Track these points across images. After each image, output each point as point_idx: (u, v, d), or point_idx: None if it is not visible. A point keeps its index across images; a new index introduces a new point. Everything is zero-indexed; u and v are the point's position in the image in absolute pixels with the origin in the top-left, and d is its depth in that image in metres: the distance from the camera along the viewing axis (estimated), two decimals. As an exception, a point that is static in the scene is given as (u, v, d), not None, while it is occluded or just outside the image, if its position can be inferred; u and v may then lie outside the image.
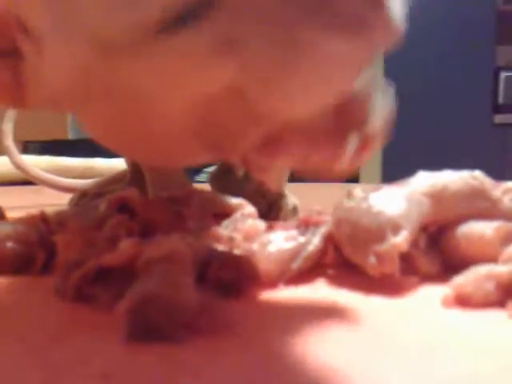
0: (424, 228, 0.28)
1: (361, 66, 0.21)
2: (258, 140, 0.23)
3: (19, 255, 0.28)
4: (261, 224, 0.31)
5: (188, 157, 0.26)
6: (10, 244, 0.28)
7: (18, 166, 0.66)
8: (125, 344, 0.20)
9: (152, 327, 0.20)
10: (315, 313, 0.24)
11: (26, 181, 0.69)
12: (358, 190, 0.28)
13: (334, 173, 0.25)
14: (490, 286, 0.24)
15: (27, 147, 1.12)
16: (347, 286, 0.27)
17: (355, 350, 0.19)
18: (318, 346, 0.20)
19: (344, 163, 0.25)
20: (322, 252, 0.28)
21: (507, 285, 0.23)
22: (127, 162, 0.53)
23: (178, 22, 0.19)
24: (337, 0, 0.18)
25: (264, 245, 0.27)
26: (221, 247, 0.27)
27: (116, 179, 0.57)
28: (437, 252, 0.28)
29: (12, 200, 0.69)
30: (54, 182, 0.66)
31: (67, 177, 0.67)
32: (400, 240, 0.25)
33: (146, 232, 0.29)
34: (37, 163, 0.74)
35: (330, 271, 0.29)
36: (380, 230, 0.26)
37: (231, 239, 0.29)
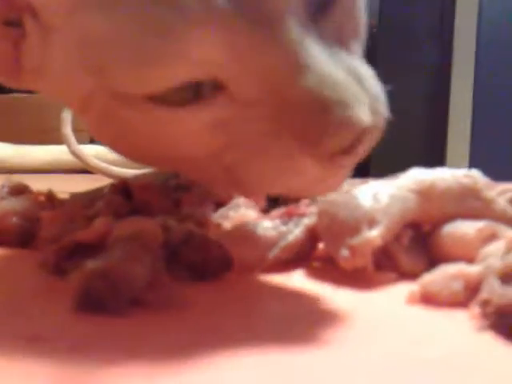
0: (411, 225, 0.28)
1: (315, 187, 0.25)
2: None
3: (22, 230, 0.29)
4: (252, 213, 0.31)
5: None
6: (14, 219, 0.30)
7: (75, 154, 0.68)
8: (69, 312, 0.21)
9: (97, 300, 0.21)
10: (271, 301, 0.24)
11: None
12: (346, 183, 0.28)
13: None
14: (457, 286, 0.23)
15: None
16: (324, 278, 0.27)
17: (292, 341, 0.19)
18: (254, 334, 0.20)
19: None
20: (304, 243, 0.28)
21: (475, 285, 0.22)
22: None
23: (187, 94, 0.23)
24: (319, 138, 0.22)
25: (244, 232, 0.27)
26: (206, 232, 0.28)
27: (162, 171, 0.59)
28: (423, 250, 0.27)
29: (70, 186, 0.72)
30: (109, 172, 0.68)
31: (134, 168, 0.70)
32: (374, 234, 0.25)
33: (140, 214, 0.30)
34: (98, 153, 0.77)
35: (315, 263, 0.29)
36: (356, 223, 0.26)
37: (218, 226, 0.29)
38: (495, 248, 0.23)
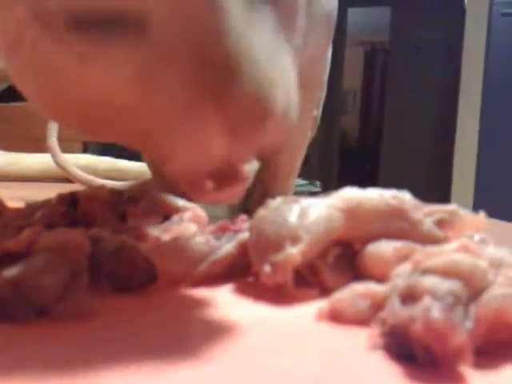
0: (341, 243, 0.28)
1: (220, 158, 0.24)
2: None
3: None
4: (193, 227, 0.32)
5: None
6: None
7: (59, 165, 0.70)
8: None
9: (5, 309, 0.21)
10: (180, 315, 0.24)
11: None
12: (276, 199, 0.28)
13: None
14: (363, 304, 0.23)
15: (86, 148, 1.18)
16: (249, 293, 0.27)
17: (180, 355, 0.20)
18: (148, 347, 0.21)
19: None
20: (236, 258, 0.28)
21: (380, 304, 0.23)
22: (148, 165, 0.55)
23: (108, 26, 0.21)
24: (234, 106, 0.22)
25: (174, 245, 0.28)
26: (140, 245, 0.28)
27: (147, 182, 0.60)
28: (350, 268, 0.28)
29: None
30: (94, 183, 0.70)
31: (123, 179, 0.71)
32: (294, 251, 0.26)
33: (83, 224, 0.31)
34: (93, 163, 0.78)
35: (250, 279, 0.29)
36: (280, 239, 0.26)
37: (157, 239, 0.30)
38: (404, 268, 0.23)
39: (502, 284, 0.22)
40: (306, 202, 0.28)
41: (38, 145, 0.84)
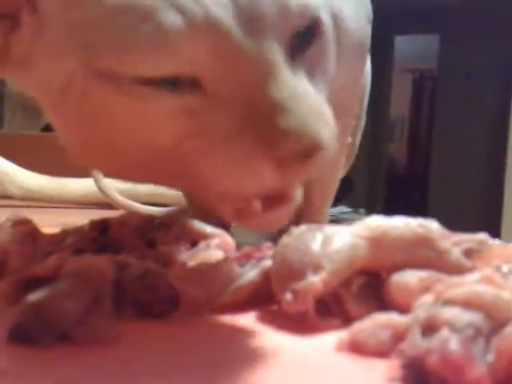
0: (366, 271, 0.28)
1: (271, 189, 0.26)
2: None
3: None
4: (218, 254, 0.32)
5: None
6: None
7: (102, 191, 0.71)
8: (4, 343, 0.22)
9: (27, 332, 0.22)
10: (201, 341, 0.24)
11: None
12: (300, 227, 0.28)
13: None
14: (384, 335, 0.23)
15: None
16: (272, 322, 0.27)
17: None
18: (166, 373, 0.21)
19: None
20: (260, 286, 0.28)
21: (402, 336, 0.22)
22: (183, 193, 0.56)
23: (167, 84, 0.25)
24: (279, 141, 0.24)
25: (198, 272, 0.28)
26: (167, 271, 0.29)
27: (183, 209, 0.60)
28: (375, 297, 0.27)
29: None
30: (134, 208, 0.71)
31: (162, 204, 0.72)
32: (315, 280, 0.25)
33: (113, 250, 0.32)
34: (133, 187, 0.80)
35: (274, 307, 0.29)
36: (302, 267, 0.26)
37: (183, 265, 0.30)
38: (426, 299, 0.23)
39: (527, 316, 0.21)
40: (330, 230, 0.28)
41: (82, 171, 0.86)
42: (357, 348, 0.23)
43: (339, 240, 0.27)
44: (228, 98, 0.25)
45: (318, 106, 0.26)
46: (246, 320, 0.27)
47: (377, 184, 3.51)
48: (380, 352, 0.23)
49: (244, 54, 0.24)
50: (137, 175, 0.30)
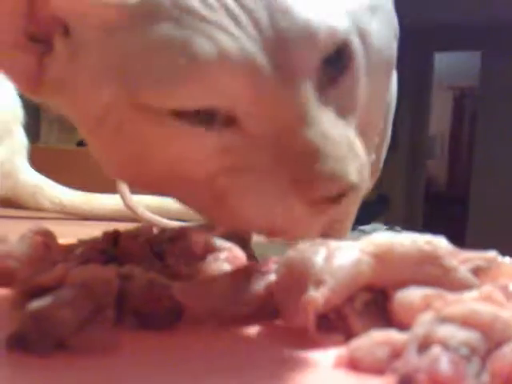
0: (372, 288, 0.27)
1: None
2: None
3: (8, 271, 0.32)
4: (225, 267, 0.32)
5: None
6: (10, 261, 0.32)
7: (129, 207, 0.72)
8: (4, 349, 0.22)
9: (26, 341, 0.22)
10: (199, 354, 0.24)
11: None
12: (305, 242, 0.28)
13: None
14: (381, 352, 0.23)
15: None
16: (274, 337, 0.27)
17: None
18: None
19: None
20: (265, 299, 0.28)
21: (400, 352, 0.22)
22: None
23: (203, 119, 0.25)
24: (313, 183, 0.25)
25: (204, 285, 0.28)
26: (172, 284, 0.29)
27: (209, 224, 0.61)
28: (380, 314, 0.27)
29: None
30: (158, 223, 0.71)
31: (196, 220, 0.72)
32: (316, 295, 0.25)
33: (124, 261, 0.32)
34: (165, 204, 0.80)
35: (278, 321, 0.29)
36: (304, 282, 0.26)
37: (188, 278, 0.31)
38: (426, 316, 0.22)
39: (528, 337, 0.21)
40: (335, 245, 0.28)
41: (115, 186, 0.88)
42: (354, 364, 0.23)
43: (343, 255, 0.27)
44: (263, 135, 0.25)
45: (349, 144, 0.26)
46: (248, 333, 0.27)
47: (415, 202, 3.47)
48: (377, 369, 0.22)
49: (276, 92, 0.25)
50: (169, 194, 0.31)
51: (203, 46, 0.24)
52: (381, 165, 0.60)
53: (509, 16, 2.70)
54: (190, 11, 0.24)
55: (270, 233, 0.28)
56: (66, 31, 0.27)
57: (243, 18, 0.25)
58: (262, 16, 0.25)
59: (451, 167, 4.35)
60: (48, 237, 0.34)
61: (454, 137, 4.26)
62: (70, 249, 0.33)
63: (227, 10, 0.25)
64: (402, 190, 3.34)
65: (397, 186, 3.27)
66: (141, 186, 0.32)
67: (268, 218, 0.27)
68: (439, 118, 4.00)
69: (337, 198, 0.26)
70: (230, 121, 0.26)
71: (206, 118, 0.25)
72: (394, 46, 0.46)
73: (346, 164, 0.25)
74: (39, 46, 0.28)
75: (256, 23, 0.25)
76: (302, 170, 0.25)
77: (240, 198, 0.26)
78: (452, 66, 3.68)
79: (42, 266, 0.29)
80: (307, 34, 0.25)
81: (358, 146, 0.27)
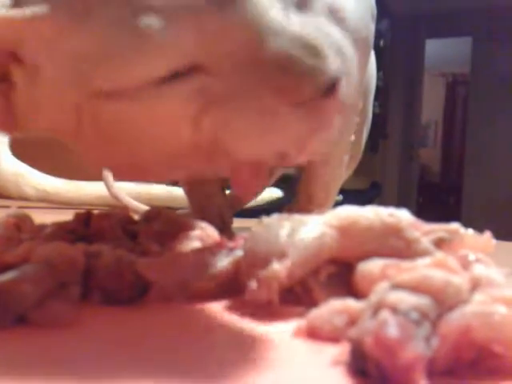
0: (336, 261, 0.28)
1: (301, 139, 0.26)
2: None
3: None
4: (196, 245, 0.32)
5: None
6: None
7: (114, 196, 0.72)
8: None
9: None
10: (160, 329, 0.25)
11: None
12: (271, 217, 0.28)
13: None
14: (339, 321, 0.23)
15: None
16: (240, 310, 0.27)
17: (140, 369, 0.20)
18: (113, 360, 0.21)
19: None
20: (233, 275, 0.29)
21: (357, 320, 0.22)
22: (184, 191, 0.56)
23: (172, 78, 0.25)
24: (296, 86, 0.24)
25: (171, 260, 0.28)
26: (141, 260, 0.29)
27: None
28: (344, 286, 0.27)
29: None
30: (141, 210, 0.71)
31: (177, 207, 0.72)
32: (279, 268, 0.25)
33: (94, 241, 0.32)
34: (146, 190, 0.80)
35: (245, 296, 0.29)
36: (268, 256, 0.26)
37: (157, 254, 0.31)
38: (382, 284, 0.23)
39: (480, 302, 0.21)
40: (300, 219, 0.28)
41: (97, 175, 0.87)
42: (313, 333, 0.23)
43: (307, 229, 0.27)
44: (230, 67, 0.25)
45: (323, 37, 0.26)
46: (214, 308, 0.27)
47: (408, 190, 3.47)
48: (335, 337, 0.23)
49: (226, 23, 0.24)
50: (160, 173, 0.30)
51: (148, 20, 0.24)
52: (362, 146, 0.60)
53: (499, 2, 2.69)
54: None
55: (278, 158, 0.27)
56: (19, 59, 0.27)
57: None
58: None
59: (445, 156, 4.35)
60: (21, 219, 0.35)
61: (448, 124, 4.26)
62: (39, 229, 0.33)
63: None
64: (396, 178, 3.34)
65: (390, 175, 3.27)
66: (136, 174, 0.31)
67: (268, 142, 0.26)
68: (432, 105, 3.99)
69: (328, 90, 0.25)
70: (195, 69, 0.25)
71: (171, 76, 0.25)
72: (371, 26, 0.46)
73: (320, 54, 0.25)
74: (1, 86, 0.28)
75: None
76: (281, 78, 0.24)
77: (231, 132, 0.26)
78: (443, 52, 3.67)
79: (10, 244, 0.29)
80: None
81: (330, 31, 0.27)
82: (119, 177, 0.30)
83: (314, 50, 0.25)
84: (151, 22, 0.24)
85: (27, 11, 0.25)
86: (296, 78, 0.24)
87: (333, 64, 0.25)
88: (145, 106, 0.25)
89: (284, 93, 0.25)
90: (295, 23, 0.25)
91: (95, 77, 0.25)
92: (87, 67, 0.25)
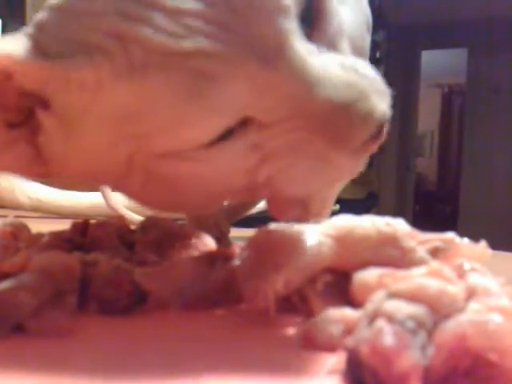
0: (333, 270, 0.28)
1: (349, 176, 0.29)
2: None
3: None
4: (193, 254, 0.32)
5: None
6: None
7: (111, 208, 0.72)
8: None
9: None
10: (156, 338, 0.25)
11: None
12: (268, 227, 0.29)
13: None
14: (335, 330, 0.23)
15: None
16: (237, 319, 0.27)
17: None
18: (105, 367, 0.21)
19: None
20: (230, 284, 0.29)
21: (353, 329, 0.22)
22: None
23: (227, 135, 0.25)
24: (349, 134, 0.25)
25: (167, 269, 0.28)
26: (138, 270, 0.29)
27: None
28: (341, 295, 0.27)
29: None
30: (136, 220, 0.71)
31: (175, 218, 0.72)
32: (276, 277, 0.25)
33: (91, 250, 0.32)
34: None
35: (242, 305, 0.29)
36: (264, 265, 0.26)
37: (154, 264, 0.31)
38: (378, 293, 0.23)
39: (475, 311, 0.21)
40: (297, 228, 0.28)
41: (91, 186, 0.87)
42: (309, 342, 0.23)
43: (305, 238, 0.27)
44: (281, 117, 0.25)
45: (358, 76, 0.26)
46: (211, 317, 0.27)
47: (405, 199, 3.48)
48: (331, 346, 0.23)
49: (272, 75, 0.24)
50: (199, 208, 0.31)
51: (203, 82, 0.23)
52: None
53: (494, 13, 2.71)
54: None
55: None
56: (45, 104, 0.26)
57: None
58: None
59: (441, 165, 4.36)
60: (18, 228, 0.35)
61: (443, 134, 4.28)
62: (36, 238, 0.33)
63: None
64: (392, 187, 3.35)
65: (387, 185, 3.28)
66: (176, 210, 0.31)
67: (318, 181, 0.27)
68: (428, 116, 4.01)
69: (378, 132, 0.26)
70: (248, 123, 0.25)
71: (224, 134, 0.25)
72: (367, 37, 0.46)
73: (369, 97, 0.25)
74: (23, 131, 0.27)
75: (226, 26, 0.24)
76: (334, 126, 0.25)
77: (286, 179, 0.26)
78: (439, 63, 3.69)
79: (7, 253, 0.29)
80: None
81: (362, 66, 0.27)
82: (156, 210, 0.30)
83: (362, 94, 0.25)
84: (208, 85, 0.23)
85: (61, 59, 0.24)
86: (350, 125, 0.25)
87: (380, 106, 0.25)
88: (200, 165, 0.26)
89: (338, 140, 0.25)
90: (335, 66, 0.25)
91: (152, 138, 0.25)
92: (143, 127, 0.24)
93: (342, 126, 0.25)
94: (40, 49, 0.24)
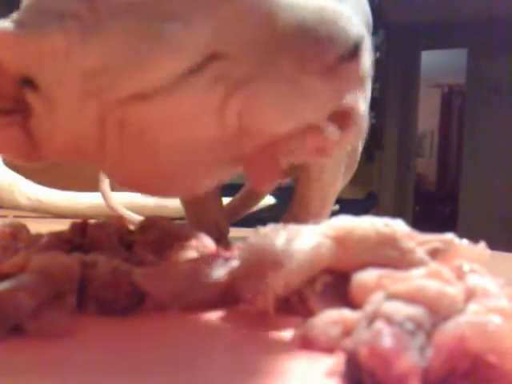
0: (332, 271, 0.28)
1: (328, 105, 0.26)
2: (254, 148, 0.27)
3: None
4: (192, 255, 0.32)
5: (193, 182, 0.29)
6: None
7: (111, 208, 0.72)
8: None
9: (-19, 324, 0.22)
10: (153, 340, 0.24)
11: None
12: (268, 227, 0.29)
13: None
14: (334, 331, 0.23)
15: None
16: (235, 321, 0.27)
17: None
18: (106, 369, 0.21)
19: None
20: (226, 285, 0.29)
21: (352, 331, 0.22)
22: (181, 200, 0.57)
23: (193, 71, 0.25)
24: (316, 53, 0.24)
25: (165, 270, 0.28)
26: (137, 270, 0.29)
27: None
28: (341, 296, 0.27)
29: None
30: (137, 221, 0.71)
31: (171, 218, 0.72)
32: (275, 278, 0.25)
33: (90, 251, 0.32)
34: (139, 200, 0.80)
35: (241, 306, 0.29)
36: (263, 266, 0.26)
37: (152, 265, 0.31)
38: (377, 294, 0.23)
39: (474, 312, 0.21)
40: (295, 229, 0.28)
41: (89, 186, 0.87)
42: (308, 344, 0.23)
43: (303, 239, 0.27)
44: (248, 48, 0.25)
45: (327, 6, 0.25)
46: (210, 318, 0.27)
47: (404, 200, 3.48)
48: (330, 347, 0.23)
49: (238, 10, 0.24)
50: (186, 185, 0.30)
51: (164, 26, 0.24)
52: (358, 155, 0.60)
53: (494, 13, 2.71)
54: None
55: (308, 131, 0.26)
56: (34, 86, 0.26)
57: None
58: None
59: (441, 165, 4.36)
60: (17, 229, 0.35)
61: (443, 134, 4.27)
62: (36, 239, 0.33)
63: None
64: (392, 188, 3.35)
65: (386, 185, 3.28)
66: (163, 188, 0.30)
67: (295, 112, 0.25)
68: (428, 116, 4.01)
69: (350, 54, 0.25)
70: (214, 57, 0.25)
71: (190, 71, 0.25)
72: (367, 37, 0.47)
73: (339, 19, 0.25)
74: (17, 116, 0.27)
75: None
76: (300, 47, 0.24)
77: (256, 111, 0.25)
78: (439, 63, 3.69)
79: (5, 254, 0.29)
80: None
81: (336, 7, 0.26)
82: (146, 192, 0.29)
83: (332, 16, 0.24)
84: (169, 26, 0.24)
85: (35, 30, 0.25)
86: (316, 45, 0.24)
87: (350, 27, 0.25)
88: (169, 103, 0.25)
89: (305, 61, 0.24)
90: None
91: (117, 85, 0.25)
92: (107, 78, 0.25)
93: (307, 45, 0.24)
94: (20, 26, 0.25)
